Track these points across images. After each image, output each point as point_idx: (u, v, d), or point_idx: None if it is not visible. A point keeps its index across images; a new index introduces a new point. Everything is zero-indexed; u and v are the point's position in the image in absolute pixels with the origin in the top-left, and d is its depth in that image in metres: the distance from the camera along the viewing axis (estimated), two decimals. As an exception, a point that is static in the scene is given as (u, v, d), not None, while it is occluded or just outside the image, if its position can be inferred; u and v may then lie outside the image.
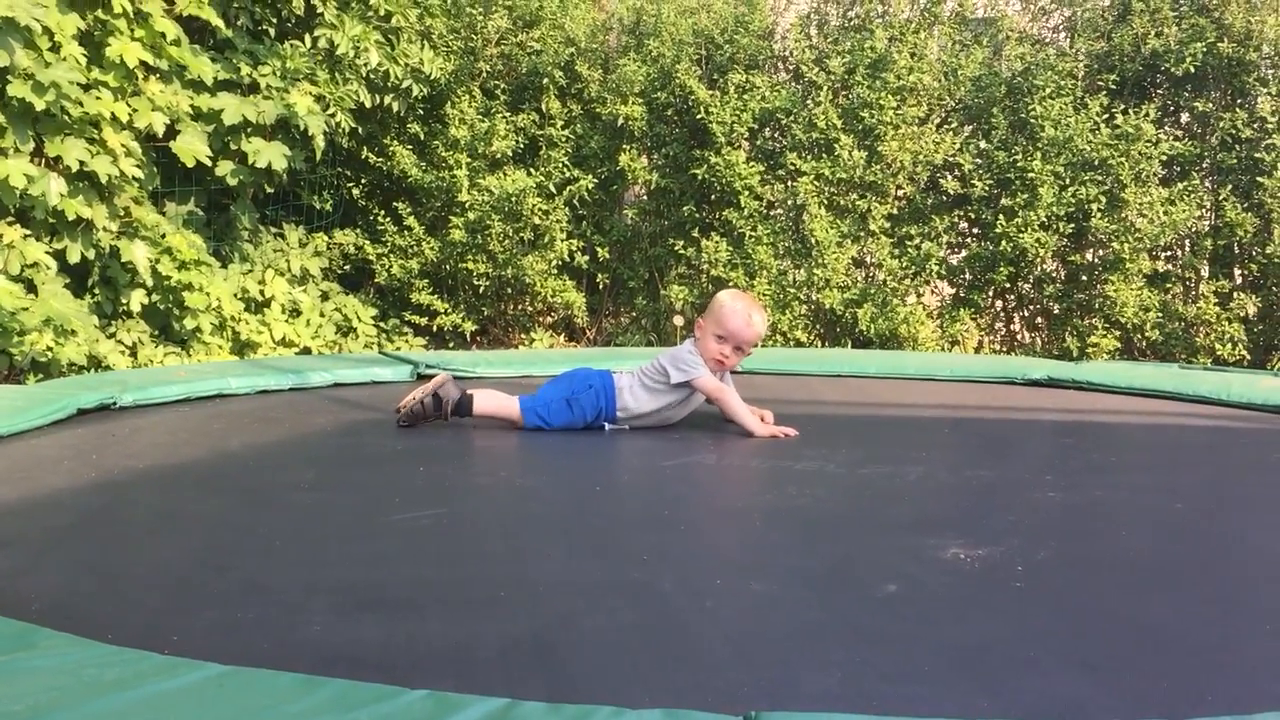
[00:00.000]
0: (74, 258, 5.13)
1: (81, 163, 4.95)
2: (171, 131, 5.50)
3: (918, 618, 1.83)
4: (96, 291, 5.53)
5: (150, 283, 5.55)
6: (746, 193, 6.41)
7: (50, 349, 4.93)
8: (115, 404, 3.68)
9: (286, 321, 6.31)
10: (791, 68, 6.86)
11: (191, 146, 5.53)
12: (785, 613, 1.87)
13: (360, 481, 2.82)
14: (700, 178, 6.56)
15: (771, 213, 6.61)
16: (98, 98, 5.02)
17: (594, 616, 1.82)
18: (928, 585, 1.98)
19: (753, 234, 6.39)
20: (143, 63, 5.23)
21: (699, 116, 6.54)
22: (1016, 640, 1.74)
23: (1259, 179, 5.80)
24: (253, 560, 2.12)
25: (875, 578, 2.02)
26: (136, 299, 5.57)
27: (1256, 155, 5.88)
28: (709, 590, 1.97)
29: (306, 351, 6.29)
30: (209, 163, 5.68)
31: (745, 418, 3.42)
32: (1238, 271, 6.18)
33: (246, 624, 1.78)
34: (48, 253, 5.00)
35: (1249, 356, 5.87)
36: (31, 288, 5.05)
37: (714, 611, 1.86)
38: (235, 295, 6.03)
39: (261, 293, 6.29)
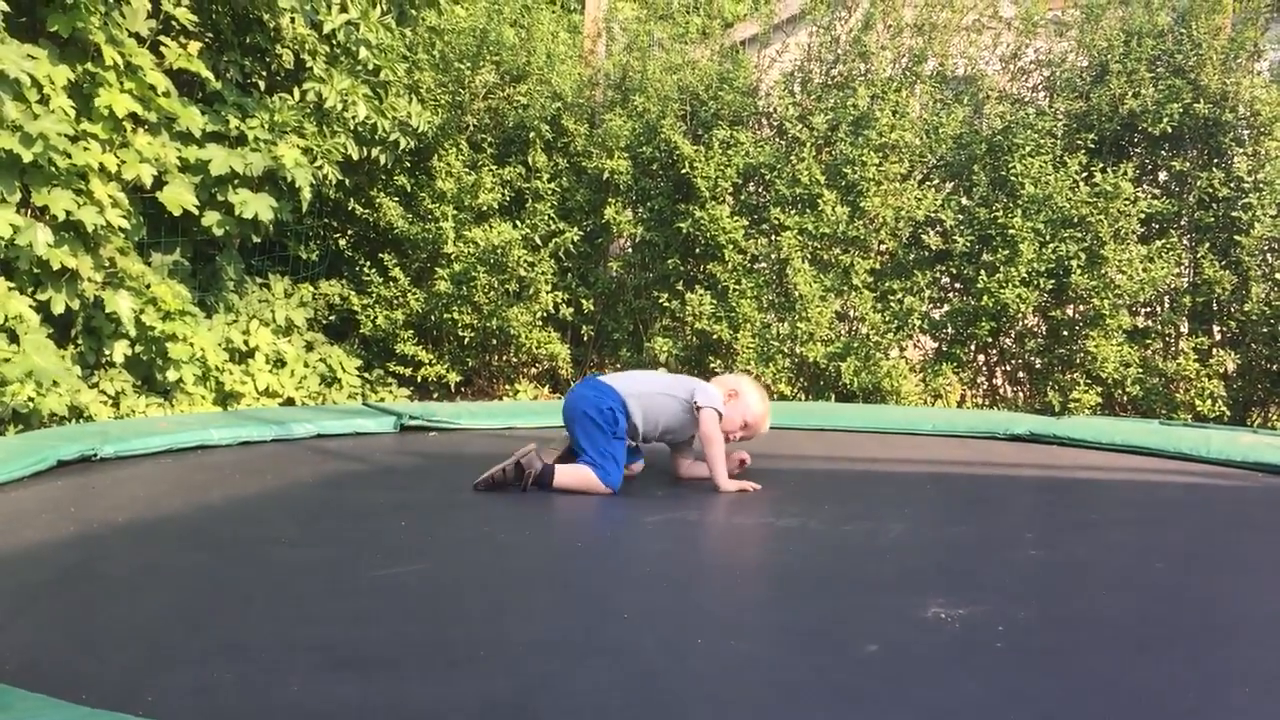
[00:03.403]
0: (58, 308, 5.12)
1: (68, 213, 4.95)
2: (159, 182, 5.52)
3: (898, 678, 1.83)
4: (80, 341, 5.51)
5: (134, 333, 5.53)
6: (731, 246, 6.46)
7: (32, 399, 4.90)
8: (96, 455, 3.66)
9: (271, 372, 6.30)
10: (775, 124, 6.93)
11: (178, 197, 5.53)
12: (766, 672, 1.87)
13: (342, 536, 2.81)
14: (685, 231, 6.60)
15: (755, 266, 6.64)
16: (86, 149, 5.03)
17: (574, 677, 1.82)
18: (908, 645, 1.98)
19: (737, 287, 6.42)
20: (131, 114, 5.25)
21: (684, 171, 6.59)
22: (995, 702, 1.74)
23: (1236, 237, 5.87)
24: (232, 618, 2.10)
25: (856, 637, 2.02)
26: (120, 349, 5.55)
27: (1233, 214, 5.94)
28: (690, 649, 1.96)
29: (290, 402, 6.27)
30: (195, 213, 5.69)
31: (722, 472, 3.41)
32: (1216, 328, 6.22)
33: (224, 684, 1.76)
34: (31, 306, 4.99)
35: (1229, 413, 5.90)
36: (14, 338, 5.03)
37: (695, 671, 1.85)
38: (219, 346, 6.02)
39: (246, 343, 6.27)
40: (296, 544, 2.71)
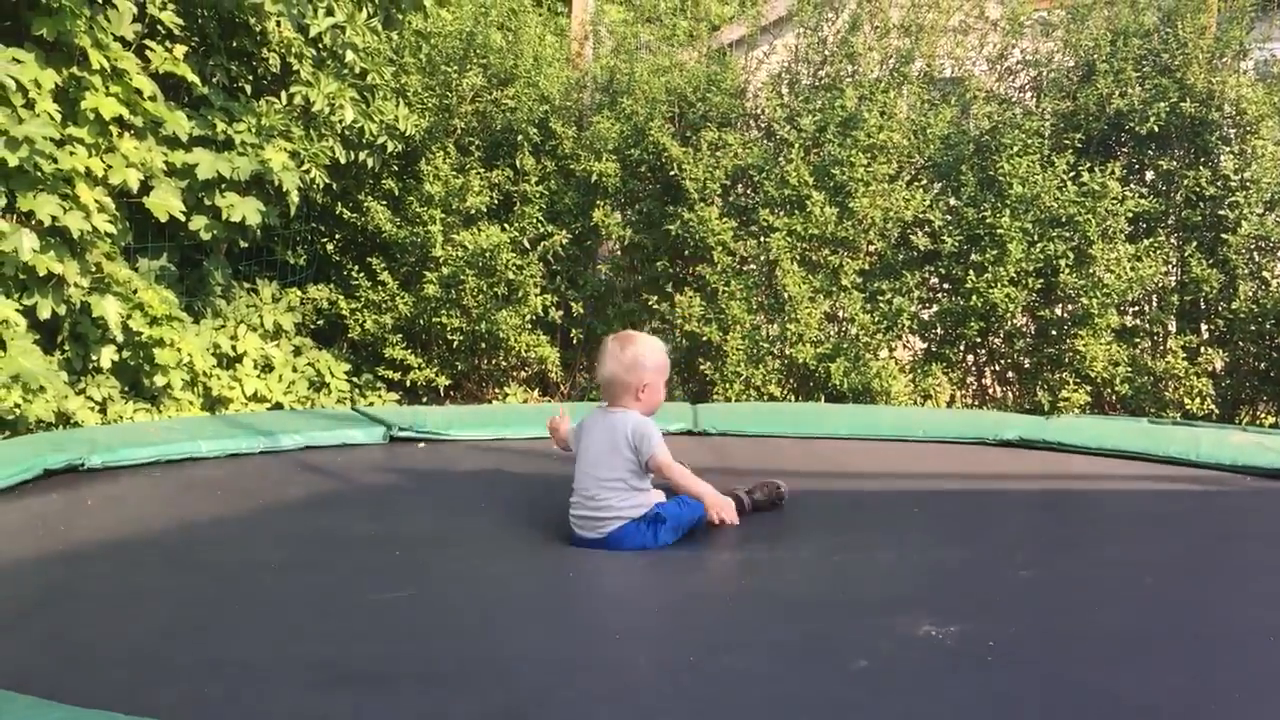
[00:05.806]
0: (44, 314, 5.09)
1: (54, 218, 4.92)
2: (145, 187, 5.49)
3: (889, 691, 1.83)
4: (66, 347, 5.48)
5: (121, 339, 5.50)
6: (720, 248, 6.45)
7: (19, 405, 4.87)
8: (83, 465, 3.63)
9: (259, 377, 6.27)
10: (763, 125, 6.93)
11: (165, 202, 5.50)
12: (757, 687, 1.87)
13: (331, 561, 2.77)
14: (674, 233, 6.59)
15: (744, 268, 6.64)
16: (72, 153, 5.00)
17: (566, 691, 1.81)
18: (900, 660, 1.98)
19: (726, 289, 6.42)
20: (118, 118, 5.22)
21: (672, 173, 6.59)
22: (986, 712, 1.74)
23: (1223, 235, 5.89)
24: (221, 636, 2.09)
25: (847, 654, 2.01)
26: (107, 355, 5.52)
27: (1220, 212, 5.96)
28: (682, 666, 1.96)
29: (279, 407, 6.24)
30: (182, 218, 5.66)
31: (704, 488, 3.03)
32: (1204, 327, 6.24)
33: (214, 698, 1.76)
34: (17, 310, 4.96)
35: (1217, 410, 5.92)
36: (0, 343, 5.00)
37: (687, 686, 1.85)
38: (207, 351, 5.99)
39: (234, 348, 6.25)
40: (287, 568, 2.69)
